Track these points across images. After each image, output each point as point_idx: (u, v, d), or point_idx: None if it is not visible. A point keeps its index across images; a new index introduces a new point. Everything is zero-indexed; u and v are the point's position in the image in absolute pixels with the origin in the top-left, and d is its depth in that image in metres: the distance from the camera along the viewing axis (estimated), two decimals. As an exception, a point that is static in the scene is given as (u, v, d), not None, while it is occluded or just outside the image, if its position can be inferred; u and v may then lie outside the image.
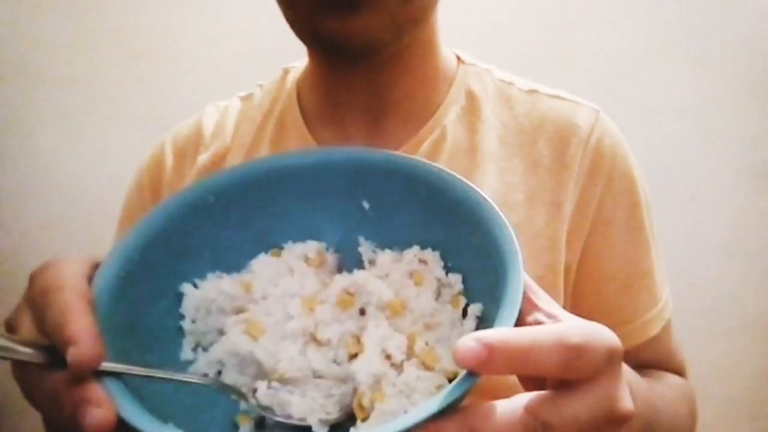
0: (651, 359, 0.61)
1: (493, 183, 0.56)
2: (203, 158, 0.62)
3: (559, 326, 0.30)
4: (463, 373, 0.29)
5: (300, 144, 0.59)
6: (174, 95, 1.25)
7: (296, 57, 0.64)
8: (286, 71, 0.66)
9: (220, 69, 1.24)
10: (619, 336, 0.31)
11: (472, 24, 1.15)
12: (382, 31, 0.49)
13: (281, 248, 0.45)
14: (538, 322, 0.32)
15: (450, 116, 0.58)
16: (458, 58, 0.63)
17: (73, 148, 1.30)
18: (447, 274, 0.42)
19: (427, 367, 0.38)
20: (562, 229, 0.55)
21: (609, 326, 0.31)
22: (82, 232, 1.29)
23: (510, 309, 0.31)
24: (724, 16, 1.18)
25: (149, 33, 1.27)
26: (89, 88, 1.28)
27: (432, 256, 0.42)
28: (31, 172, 1.30)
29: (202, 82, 1.23)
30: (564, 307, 0.54)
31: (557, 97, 0.60)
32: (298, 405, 0.38)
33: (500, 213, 0.36)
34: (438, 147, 0.57)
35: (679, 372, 0.64)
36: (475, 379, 0.28)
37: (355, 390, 0.38)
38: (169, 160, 0.64)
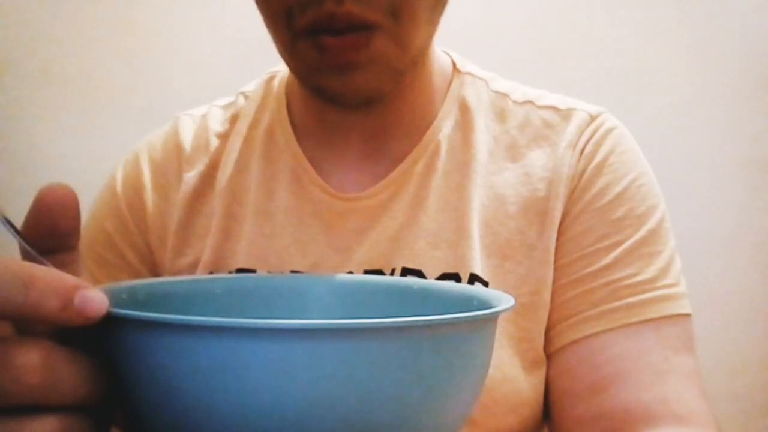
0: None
1: (485, 198, 0.55)
2: (191, 177, 0.59)
3: None
4: None
5: (292, 162, 0.58)
6: (171, 91, 1.24)
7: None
8: (271, 76, 0.63)
9: (217, 64, 1.22)
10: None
11: (472, 18, 1.14)
12: (383, 82, 0.51)
13: None
14: None
15: (444, 131, 0.57)
16: (454, 65, 0.61)
17: (70, 145, 1.29)
18: None
19: None
20: (553, 238, 0.53)
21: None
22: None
23: None
24: (725, 9, 1.16)
25: (145, 29, 1.26)
26: (86, 84, 1.27)
27: None
28: (27, 169, 1.30)
29: (199, 78, 1.22)
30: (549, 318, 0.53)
31: (551, 107, 0.58)
32: None
33: None
34: (432, 166, 0.56)
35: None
36: None
37: None
38: (147, 179, 0.61)
